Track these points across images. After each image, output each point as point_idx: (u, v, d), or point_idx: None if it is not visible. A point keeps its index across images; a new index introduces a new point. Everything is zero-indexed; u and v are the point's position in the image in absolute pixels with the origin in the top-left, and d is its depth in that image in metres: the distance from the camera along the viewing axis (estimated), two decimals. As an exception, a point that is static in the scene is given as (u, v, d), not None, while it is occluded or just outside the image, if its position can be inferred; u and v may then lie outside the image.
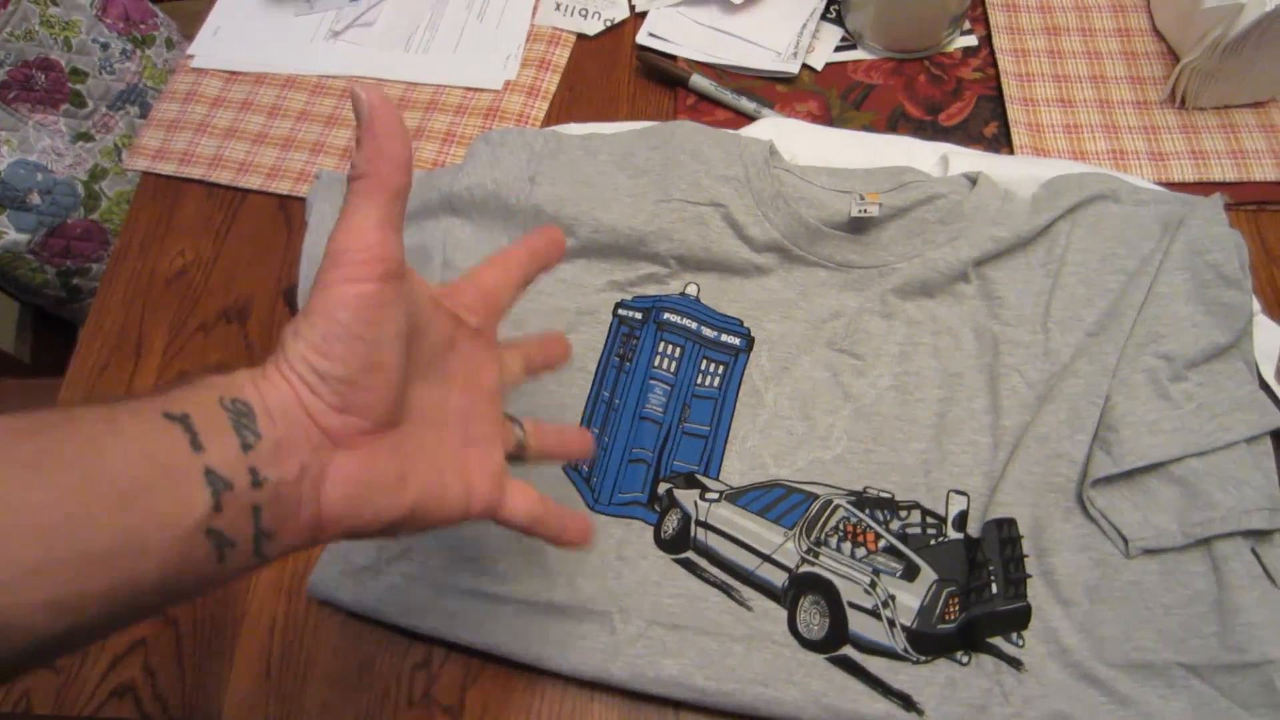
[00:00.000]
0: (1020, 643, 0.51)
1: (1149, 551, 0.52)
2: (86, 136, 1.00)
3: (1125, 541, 0.53)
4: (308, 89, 0.78)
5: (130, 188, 1.00)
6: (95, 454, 0.28)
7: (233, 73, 0.79)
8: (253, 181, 0.74)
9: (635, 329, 0.62)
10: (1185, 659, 0.50)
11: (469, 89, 0.77)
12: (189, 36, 1.08)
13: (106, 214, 0.99)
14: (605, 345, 0.62)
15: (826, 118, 0.73)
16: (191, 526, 0.29)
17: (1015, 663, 0.51)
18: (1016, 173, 0.65)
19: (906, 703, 0.50)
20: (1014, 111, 0.71)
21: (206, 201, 0.74)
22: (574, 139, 0.67)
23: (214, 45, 0.80)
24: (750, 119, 0.73)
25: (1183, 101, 0.70)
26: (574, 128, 0.70)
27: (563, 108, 0.76)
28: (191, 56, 0.80)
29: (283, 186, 0.73)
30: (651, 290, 0.63)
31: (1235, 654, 0.49)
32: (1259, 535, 0.52)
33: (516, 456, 0.44)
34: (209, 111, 0.77)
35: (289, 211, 0.73)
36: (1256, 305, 0.60)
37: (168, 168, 0.75)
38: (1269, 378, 0.59)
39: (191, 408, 0.30)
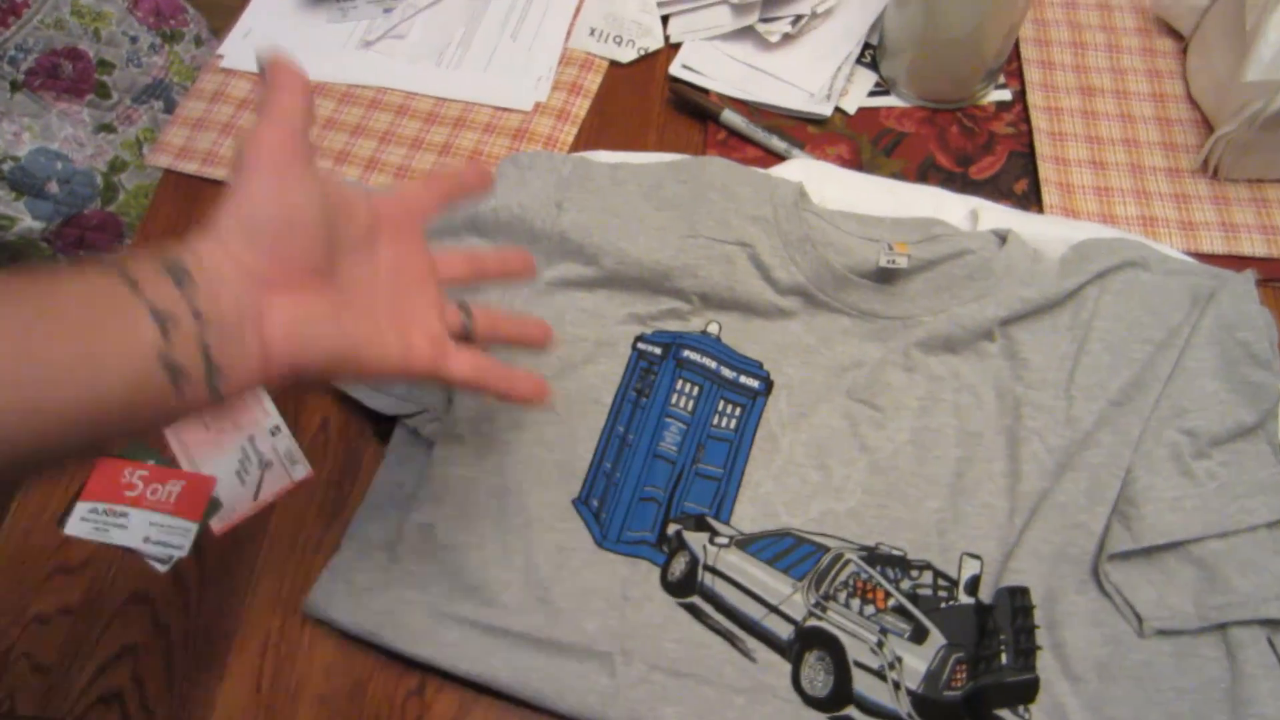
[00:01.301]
0: (1027, 716, 0.50)
1: (1163, 632, 0.52)
2: (109, 128, 0.99)
3: (1139, 620, 0.52)
4: (336, 97, 0.77)
5: (149, 182, 0.99)
6: (46, 295, 0.32)
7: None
8: (275, 187, 0.73)
9: (654, 364, 0.61)
10: (1194, 745, 0.49)
11: (498, 108, 0.76)
12: (217, 33, 1.08)
13: (124, 207, 0.99)
14: (623, 379, 0.61)
15: (856, 162, 0.73)
16: (145, 353, 0.32)
17: (1021, 737, 0.50)
18: (1046, 233, 0.64)
19: (909, 771, 0.49)
20: (1045, 169, 0.71)
21: (227, 203, 0.73)
22: (602, 167, 0.66)
23: (244, 47, 0.80)
24: (780, 158, 0.72)
25: (1215, 172, 0.70)
26: (603, 155, 0.70)
27: (591, 133, 0.76)
28: (221, 56, 0.79)
29: (306, 193, 0.72)
30: (672, 326, 0.62)
31: (1246, 744, 0.48)
32: (1275, 624, 0.51)
33: (464, 338, 0.47)
34: (235, 113, 0.76)
35: (310, 219, 0.72)
36: (1281, 385, 0.59)
37: (190, 166, 0.74)
38: (1291, 460, 0.58)
39: (127, 265, 0.34)
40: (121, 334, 0.32)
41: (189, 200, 0.73)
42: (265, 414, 0.64)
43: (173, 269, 0.34)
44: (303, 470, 0.62)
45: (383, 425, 0.62)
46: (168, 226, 0.72)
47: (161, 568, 0.60)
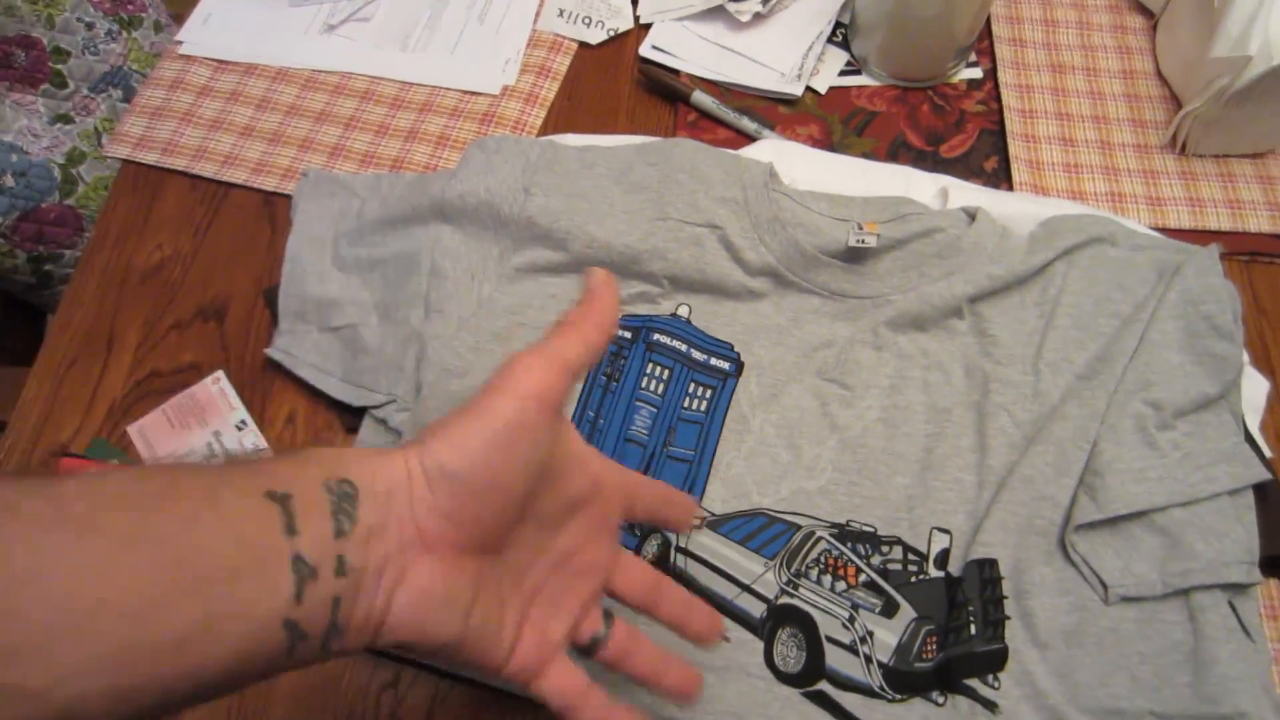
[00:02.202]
0: (996, 685, 0.51)
1: (1128, 599, 0.52)
2: (66, 118, 0.97)
3: (1105, 588, 0.52)
4: (299, 83, 0.76)
5: (109, 173, 0.97)
6: (190, 533, 0.27)
7: (222, 62, 0.77)
8: (237, 176, 0.72)
9: (624, 348, 0.61)
10: (1158, 708, 0.50)
11: (466, 92, 0.75)
12: (177, 19, 1.06)
13: (83, 199, 0.97)
14: (592, 363, 0.61)
15: (827, 142, 0.72)
16: (270, 615, 0.28)
17: (990, 705, 0.50)
18: (1015, 210, 0.64)
19: (881, 743, 0.50)
20: (1015, 147, 0.71)
21: (188, 194, 0.72)
22: (571, 150, 0.66)
23: (204, 32, 0.78)
24: (751, 139, 0.72)
25: (1183, 148, 0.70)
26: (571, 138, 0.69)
27: (560, 116, 0.75)
28: (180, 43, 0.78)
29: (268, 183, 0.72)
30: (642, 309, 0.62)
31: (1208, 705, 0.49)
32: (1236, 588, 0.52)
33: (586, 650, 0.41)
34: (195, 101, 0.75)
35: (273, 209, 0.71)
36: (1245, 357, 0.60)
37: (150, 157, 0.73)
38: (1254, 430, 0.59)
39: (295, 487, 0.30)
40: (255, 590, 0.28)
41: (149, 193, 0.72)
42: (231, 408, 0.63)
43: (340, 500, 0.30)
44: (272, 461, 0.62)
45: (350, 416, 0.62)
46: (127, 220, 0.71)
47: None
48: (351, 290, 0.64)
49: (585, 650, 0.41)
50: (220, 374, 0.64)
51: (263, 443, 0.62)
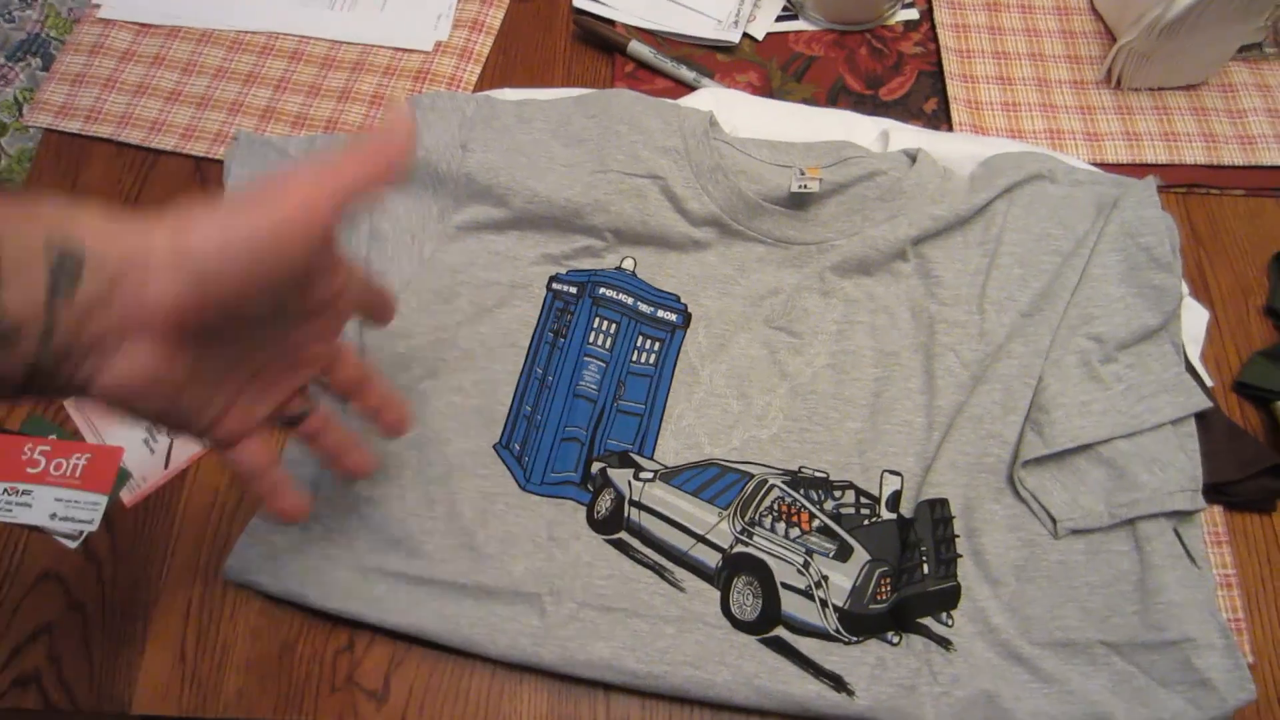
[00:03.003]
0: (949, 622, 0.51)
1: (1076, 532, 0.53)
2: (-17, 89, 0.93)
3: (1054, 522, 0.53)
4: (225, 45, 0.73)
5: (33, 145, 0.93)
6: None
7: (143, 25, 0.74)
8: (166, 142, 0.69)
9: (570, 304, 0.60)
10: (1107, 637, 0.51)
11: (398, 49, 0.73)
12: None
13: (6, 172, 0.93)
14: (539, 320, 0.60)
15: (767, 89, 0.72)
16: None
17: (944, 642, 0.51)
18: (955, 150, 0.64)
19: (837, 683, 0.50)
20: (954, 88, 0.71)
21: (115, 162, 0.69)
22: (508, 105, 0.64)
23: (123, -6, 0.75)
24: (690, 88, 0.71)
25: (1118, 82, 0.71)
26: (508, 93, 0.68)
27: (496, 71, 0.73)
28: (97, 6, 0.75)
29: (199, 148, 0.69)
30: (587, 264, 0.61)
31: (1155, 632, 0.50)
32: (1181, 516, 0.53)
33: (291, 421, 0.44)
34: (117, 66, 0.72)
35: (205, 174, 0.69)
36: (1184, 288, 0.61)
37: (72, 125, 0.70)
38: (1195, 360, 0.60)
39: (11, 242, 0.29)
40: None
41: (74, 162, 0.69)
42: (170, 379, 0.62)
43: (62, 259, 0.29)
44: (214, 434, 0.60)
45: (294, 382, 0.60)
46: (53, 191, 0.68)
47: (72, 544, 0.57)
48: (288, 256, 0.62)
49: (290, 422, 0.44)
50: (156, 347, 0.62)
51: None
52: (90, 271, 0.30)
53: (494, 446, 0.57)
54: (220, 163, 0.68)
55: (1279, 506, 0.58)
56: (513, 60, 0.74)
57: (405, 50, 0.73)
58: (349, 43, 0.74)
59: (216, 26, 0.74)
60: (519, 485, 0.56)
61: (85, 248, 0.30)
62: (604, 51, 0.74)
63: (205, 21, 0.74)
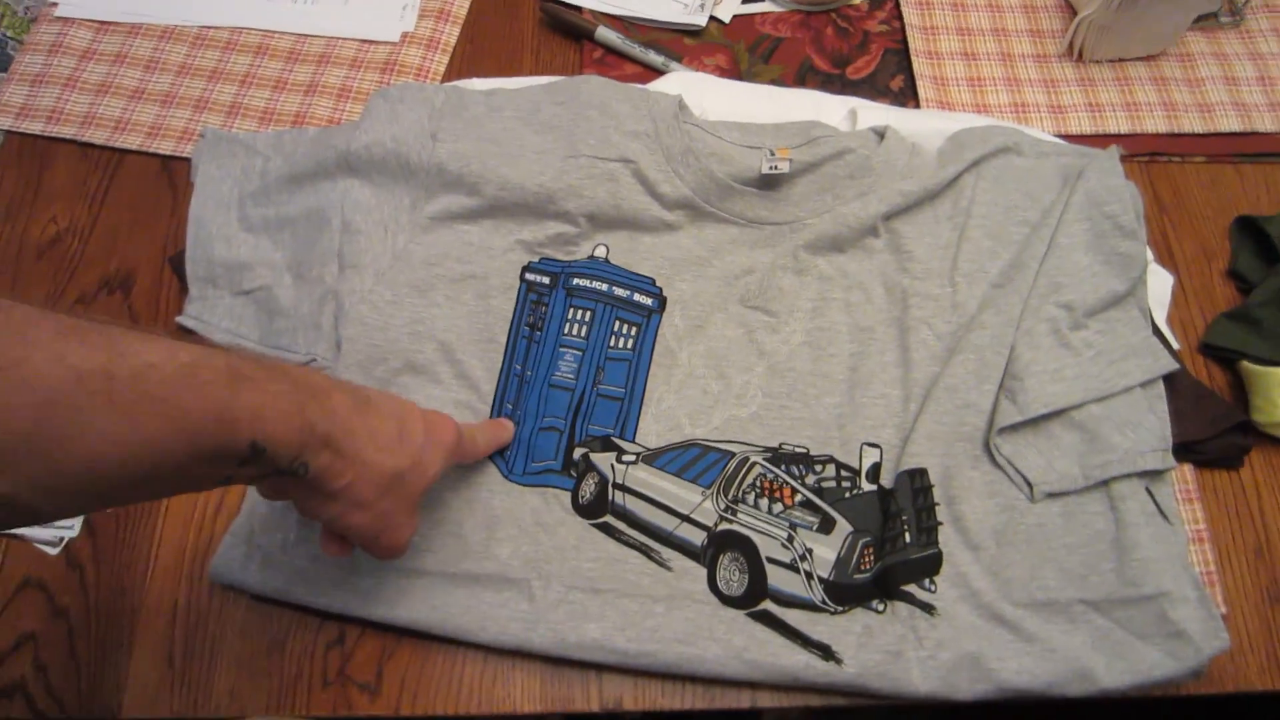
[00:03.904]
0: (932, 588, 0.52)
1: (1052, 495, 0.54)
2: (-61, 94, 0.91)
3: (1030, 486, 0.54)
4: (188, 41, 0.73)
5: (-5, 150, 0.92)
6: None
7: (103, 23, 0.73)
8: (131, 141, 0.68)
9: (544, 295, 0.60)
10: (1086, 595, 0.52)
11: (364, 41, 0.73)
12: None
13: (-32, 178, 0.91)
14: (514, 313, 0.60)
15: (735, 71, 0.72)
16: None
17: (928, 608, 0.52)
18: (923, 126, 0.65)
19: (825, 652, 0.51)
20: (919, 65, 0.72)
21: (80, 163, 0.68)
22: (477, 95, 0.64)
23: (80, -8, 0.74)
24: (658, 73, 0.71)
25: (1080, 55, 0.72)
26: (477, 83, 0.68)
27: (464, 61, 0.73)
28: (55, 4, 0.74)
29: (165, 146, 0.68)
30: (560, 252, 0.61)
31: (1131, 588, 0.51)
32: (1153, 475, 0.54)
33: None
34: (78, 65, 0.71)
35: (173, 173, 0.68)
36: (1149, 254, 0.62)
37: (34, 126, 0.69)
38: (1161, 324, 0.61)
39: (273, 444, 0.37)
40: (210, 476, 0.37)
41: (36, 164, 0.68)
42: (146, 380, 0.61)
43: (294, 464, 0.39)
44: (193, 434, 0.60)
45: (272, 379, 0.60)
46: (16, 194, 0.67)
47: (52, 551, 0.57)
48: (262, 251, 0.62)
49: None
50: (130, 349, 0.61)
51: (182, 416, 0.60)
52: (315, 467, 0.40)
53: (475, 438, 0.57)
54: (188, 160, 0.67)
55: (1247, 462, 0.59)
56: (480, 49, 0.74)
57: (371, 42, 0.73)
58: (314, 36, 0.73)
59: (178, 22, 0.73)
60: (503, 475, 0.56)
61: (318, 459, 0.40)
62: (572, 38, 0.74)
63: (166, 18, 0.73)
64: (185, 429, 0.33)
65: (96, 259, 0.65)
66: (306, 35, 0.73)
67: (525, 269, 0.61)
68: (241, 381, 0.36)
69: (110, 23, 0.73)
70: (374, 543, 0.46)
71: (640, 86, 0.65)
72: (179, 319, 0.61)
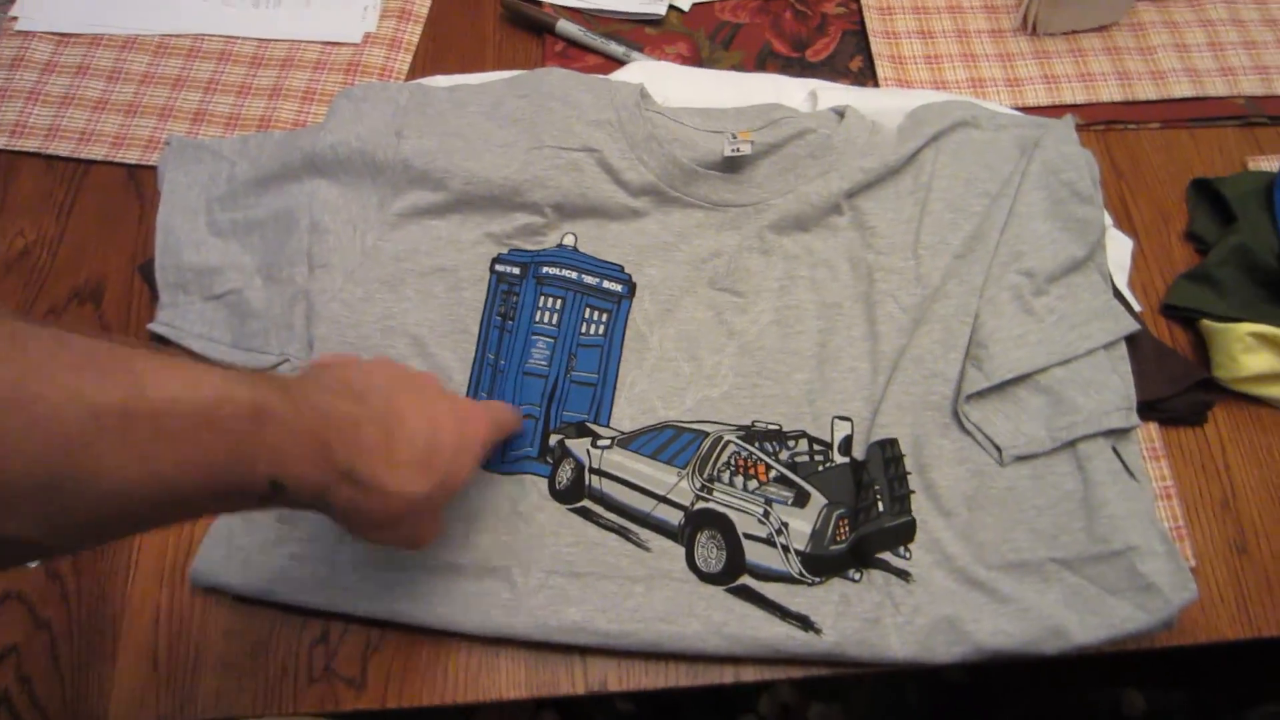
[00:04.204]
0: (907, 555, 0.53)
1: (1021, 458, 0.55)
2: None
3: (999, 450, 0.55)
4: (150, 50, 0.73)
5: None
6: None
7: (63, 35, 0.73)
8: (96, 151, 0.69)
9: (514, 285, 0.61)
10: (1057, 554, 0.53)
11: (326, 43, 0.73)
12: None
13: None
14: (486, 304, 0.60)
15: (696, 59, 0.73)
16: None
17: (904, 574, 0.53)
18: (882, 105, 0.66)
19: (804, 623, 0.51)
20: (877, 45, 0.73)
21: (45, 176, 0.68)
22: (440, 91, 0.65)
23: (39, 5, 0.74)
24: (620, 63, 0.72)
25: (1034, 28, 0.73)
26: (440, 80, 0.68)
27: (427, 60, 0.73)
28: (15, 18, 0.73)
29: (130, 155, 0.68)
30: (529, 241, 0.62)
31: (1101, 544, 0.52)
32: (1118, 434, 0.55)
33: None
34: (40, 78, 0.71)
35: (139, 182, 0.68)
36: (1108, 219, 0.63)
37: (-2, 142, 0.69)
38: (1122, 287, 0.62)
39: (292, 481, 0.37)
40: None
41: (2, 178, 0.68)
42: (121, 389, 0.61)
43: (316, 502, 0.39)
44: (170, 440, 0.60)
45: (246, 381, 0.60)
46: (-17, 210, 0.67)
47: (30, 563, 0.57)
48: (231, 255, 0.62)
49: None
50: (103, 358, 0.62)
51: (157, 422, 0.60)
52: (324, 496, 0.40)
53: (452, 429, 0.58)
54: (154, 169, 0.67)
55: (1210, 418, 0.60)
56: (443, 47, 0.74)
57: (334, 44, 0.73)
58: (276, 40, 0.73)
59: (139, 32, 0.73)
60: (480, 466, 0.56)
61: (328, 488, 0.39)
62: (533, 32, 0.75)
63: (127, 28, 0.73)
64: (202, 468, 0.32)
65: (66, 270, 0.65)
66: (269, 40, 0.73)
67: (495, 260, 0.61)
68: (264, 419, 0.35)
69: (71, 35, 0.73)
70: (399, 545, 0.47)
71: (602, 77, 0.66)
72: (151, 326, 0.61)
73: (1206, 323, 0.61)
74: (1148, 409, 0.58)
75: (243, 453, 0.34)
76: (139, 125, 0.70)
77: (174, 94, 0.71)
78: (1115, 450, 0.55)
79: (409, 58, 0.73)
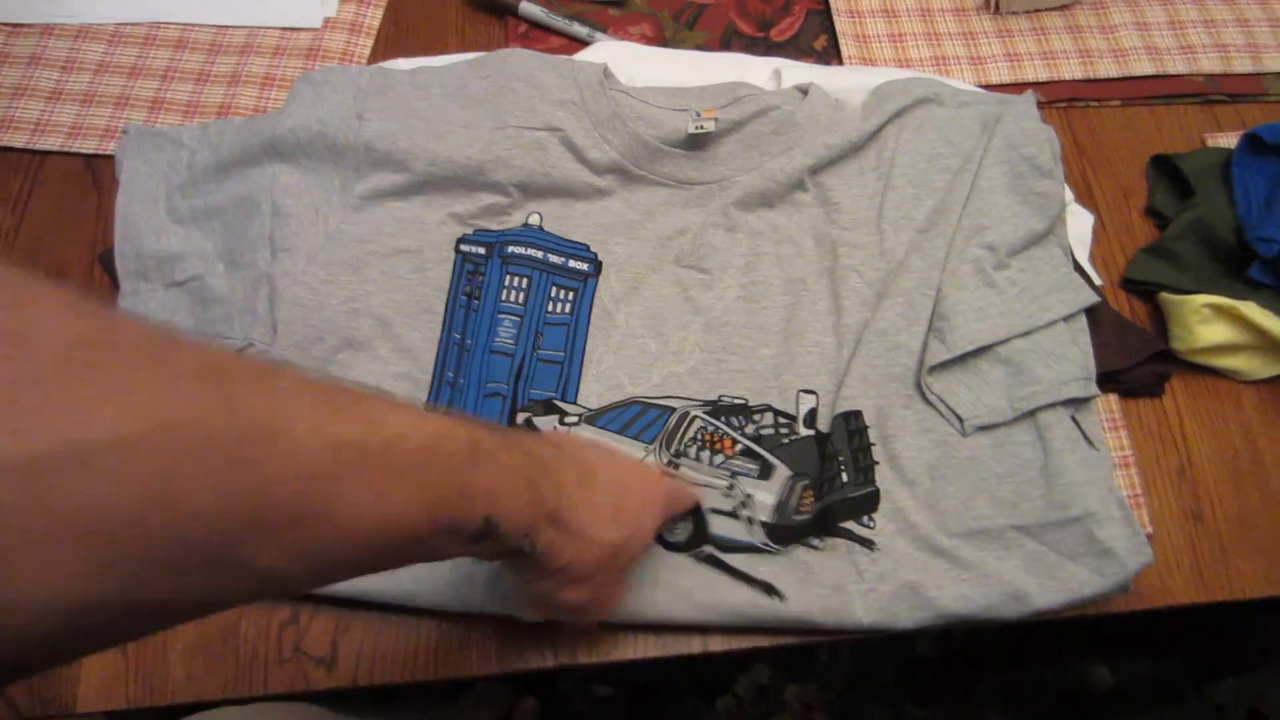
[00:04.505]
0: (871, 524, 0.54)
1: (982, 428, 0.56)
2: None
3: (961, 421, 0.56)
4: (104, 39, 0.72)
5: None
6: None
7: (14, 25, 0.72)
8: (52, 142, 0.68)
9: (480, 265, 0.61)
10: (1017, 521, 0.54)
11: (286, 29, 0.72)
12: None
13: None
14: (451, 284, 0.60)
15: (660, 39, 0.73)
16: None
17: (867, 543, 0.53)
18: (846, 82, 0.66)
19: (769, 590, 0.52)
20: (841, 24, 0.73)
21: (0, 167, 0.67)
22: (402, 74, 0.64)
23: (-9, -5, 0.73)
24: (583, 44, 0.72)
25: (997, 7, 0.73)
26: (401, 63, 0.68)
27: (388, 44, 0.73)
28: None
29: (87, 145, 0.68)
30: (493, 222, 0.62)
31: (1059, 511, 0.53)
32: (1077, 403, 0.56)
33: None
34: (26, 72, 0.70)
35: (97, 171, 0.67)
36: (1069, 194, 0.64)
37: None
38: (1083, 260, 0.63)
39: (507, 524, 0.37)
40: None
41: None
42: (83, 377, 0.61)
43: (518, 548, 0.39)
44: (135, 428, 0.60)
45: (211, 367, 0.60)
46: (-62, 200, 0.66)
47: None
48: (192, 242, 0.62)
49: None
50: (65, 347, 0.61)
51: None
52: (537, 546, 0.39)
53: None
54: (112, 158, 0.66)
55: (1168, 389, 0.61)
56: (404, 30, 0.74)
57: (293, 29, 0.72)
58: (235, 26, 0.73)
59: (92, 21, 0.72)
60: (448, 443, 0.57)
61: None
62: (496, 14, 0.74)
63: (80, 17, 0.72)
64: (427, 502, 0.33)
65: (24, 262, 0.64)
66: (227, 26, 0.73)
67: (460, 241, 0.61)
68: (480, 456, 0.35)
69: (22, 25, 0.72)
70: (581, 613, 0.46)
71: (564, 57, 0.66)
72: (112, 313, 0.61)
73: (1165, 295, 0.62)
74: (1107, 380, 0.59)
75: (463, 488, 0.35)
76: (95, 115, 0.69)
77: (130, 83, 0.70)
78: (1075, 420, 0.56)
79: (370, 42, 0.73)
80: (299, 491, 0.28)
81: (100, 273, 0.64)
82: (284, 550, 0.28)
